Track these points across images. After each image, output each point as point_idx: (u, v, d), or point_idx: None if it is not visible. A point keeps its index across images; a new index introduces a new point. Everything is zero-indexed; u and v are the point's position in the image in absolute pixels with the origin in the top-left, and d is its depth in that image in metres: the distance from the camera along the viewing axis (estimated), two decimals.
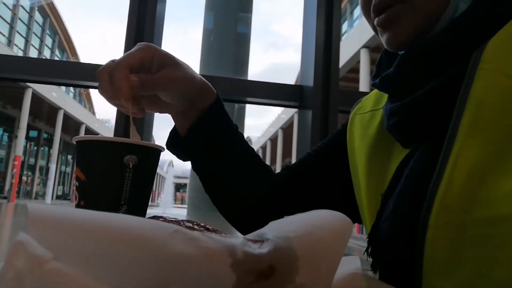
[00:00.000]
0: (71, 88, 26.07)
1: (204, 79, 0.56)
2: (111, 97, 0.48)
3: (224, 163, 0.59)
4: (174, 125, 0.59)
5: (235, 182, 0.61)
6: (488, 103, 0.36)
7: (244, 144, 0.62)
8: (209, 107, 0.56)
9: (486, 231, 0.34)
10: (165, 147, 0.49)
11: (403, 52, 0.47)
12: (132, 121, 0.49)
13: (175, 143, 0.59)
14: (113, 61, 0.48)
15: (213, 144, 0.58)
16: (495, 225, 0.34)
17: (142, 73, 0.48)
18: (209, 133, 0.57)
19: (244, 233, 0.60)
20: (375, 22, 0.48)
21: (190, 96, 0.54)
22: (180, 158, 0.61)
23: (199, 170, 0.61)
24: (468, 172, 0.36)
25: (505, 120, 0.35)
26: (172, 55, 0.51)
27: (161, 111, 0.56)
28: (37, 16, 25.38)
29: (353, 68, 16.20)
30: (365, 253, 0.47)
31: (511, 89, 0.36)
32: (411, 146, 0.48)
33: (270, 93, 1.79)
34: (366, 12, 0.50)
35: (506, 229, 0.33)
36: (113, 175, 0.42)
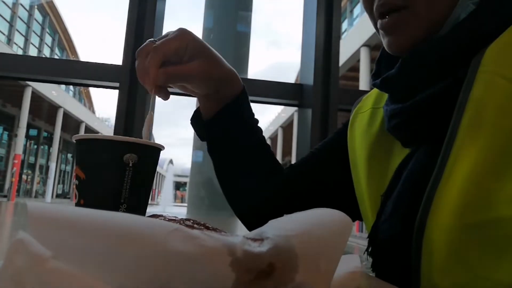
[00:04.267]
0: (71, 87, 26.04)
1: (232, 69, 0.58)
2: (140, 77, 0.51)
3: (237, 154, 0.62)
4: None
5: (243, 174, 0.64)
6: (487, 105, 0.36)
7: (259, 139, 0.64)
8: (234, 99, 0.59)
9: (486, 233, 0.34)
10: (165, 146, 0.49)
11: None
12: (152, 106, 0.51)
13: (197, 122, 0.63)
14: (152, 41, 0.50)
15: (230, 135, 0.61)
16: (495, 228, 0.33)
17: (171, 66, 0.50)
18: (229, 123, 0.60)
19: (250, 229, 0.61)
20: (378, 25, 0.48)
21: (214, 86, 0.56)
22: (198, 137, 0.65)
23: (213, 154, 0.64)
24: (467, 174, 0.36)
25: (504, 122, 0.35)
26: (205, 46, 0.53)
27: (186, 92, 0.59)
28: (37, 15, 25.32)
29: (353, 66, 16.18)
30: (365, 253, 0.47)
31: (510, 92, 0.36)
32: (411, 146, 0.48)
33: (270, 91, 1.79)
34: (368, 10, 0.50)
35: (507, 231, 0.33)
36: (113, 174, 0.42)
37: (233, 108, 0.59)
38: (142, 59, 0.50)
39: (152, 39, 0.52)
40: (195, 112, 0.63)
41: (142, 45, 0.51)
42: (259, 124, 0.65)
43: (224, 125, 0.60)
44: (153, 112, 0.50)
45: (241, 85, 0.60)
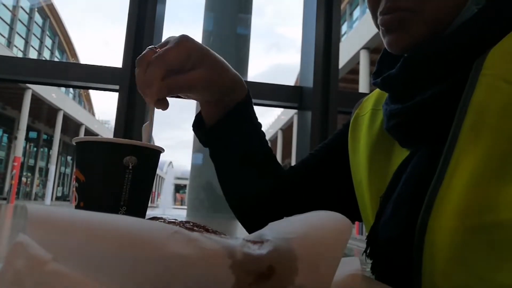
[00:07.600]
0: (71, 89, 26.03)
1: (236, 74, 0.57)
2: (140, 88, 0.49)
3: (239, 159, 0.61)
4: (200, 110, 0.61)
5: (245, 179, 0.63)
6: (489, 109, 0.36)
7: (262, 144, 0.63)
8: (237, 106, 0.58)
9: (488, 236, 0.34)
10: (164, 148, 0.50)
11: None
12: (151, 116, 0.49)
13: (199, 127, 0.61)
14: (153, 49, 0.48)
15: (232, 142, 0.60)
16: (496, 231, 0.33)
17: (173, 77, 0.48)
18: (231, 131, 0.59)
19: (250, 231, 0.61)
20: (379, 21, 0.47)
21: (218, 93, 0.55)
22: (200, 142, 0.64)
23: (215, 159, 0.63)
24: (468, 177, 0.36)
25: (506, 126, 0.35)
26: (209, 53, 0.52)
27: (187, 98, 0.58)
28: (37, 17, 25.34)
29: (353, 69, 16.21)
30: (364, 254, 0.47)
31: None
32: (409, 147, 0.48)
33: (269, 94, 1.79)
34: (372, 10, 0.50)
35: (508, 234, 0.33)
36: (113, 176, 0.42)
37: (235, 115, 0.58)
38: (142, 69, 0.47)
39: (152, 46, 0.49)
40: (196, 117, 0.62)
41: (142, 53, 0.48)
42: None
43: (226, 132, 0.59)
44: (152, 122, 0.48)
45: (245, 89, 0.59)
